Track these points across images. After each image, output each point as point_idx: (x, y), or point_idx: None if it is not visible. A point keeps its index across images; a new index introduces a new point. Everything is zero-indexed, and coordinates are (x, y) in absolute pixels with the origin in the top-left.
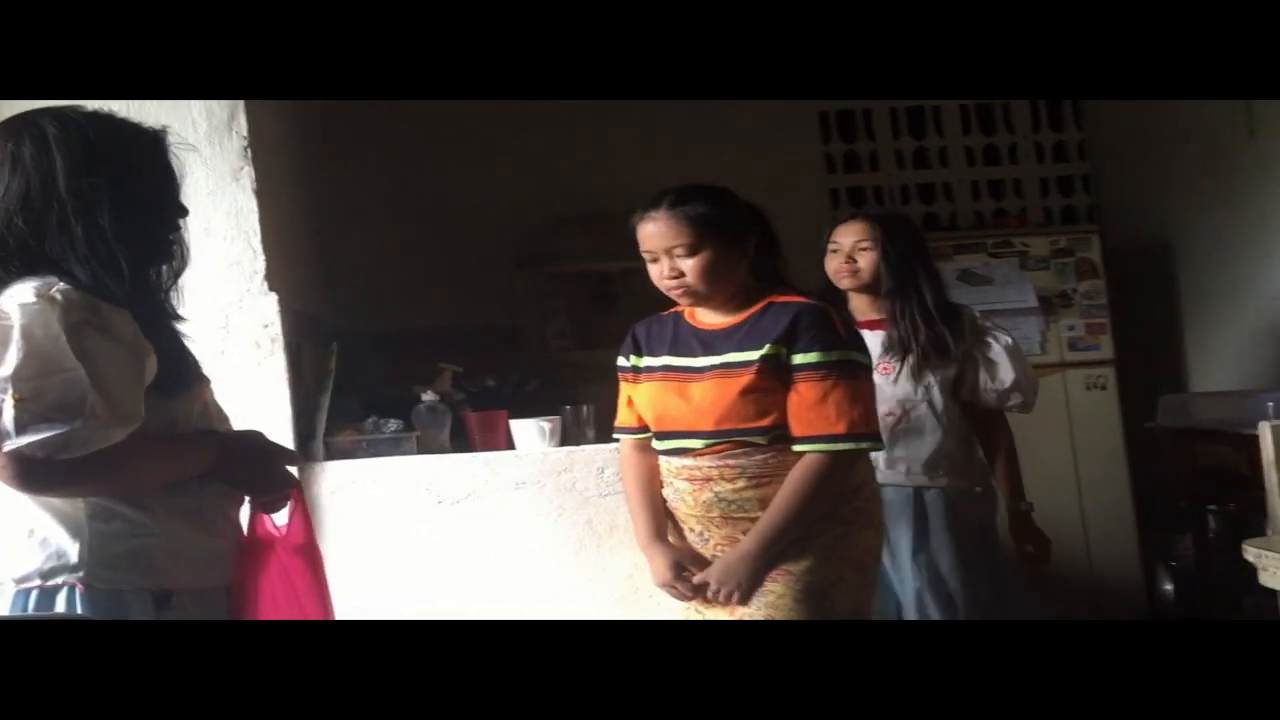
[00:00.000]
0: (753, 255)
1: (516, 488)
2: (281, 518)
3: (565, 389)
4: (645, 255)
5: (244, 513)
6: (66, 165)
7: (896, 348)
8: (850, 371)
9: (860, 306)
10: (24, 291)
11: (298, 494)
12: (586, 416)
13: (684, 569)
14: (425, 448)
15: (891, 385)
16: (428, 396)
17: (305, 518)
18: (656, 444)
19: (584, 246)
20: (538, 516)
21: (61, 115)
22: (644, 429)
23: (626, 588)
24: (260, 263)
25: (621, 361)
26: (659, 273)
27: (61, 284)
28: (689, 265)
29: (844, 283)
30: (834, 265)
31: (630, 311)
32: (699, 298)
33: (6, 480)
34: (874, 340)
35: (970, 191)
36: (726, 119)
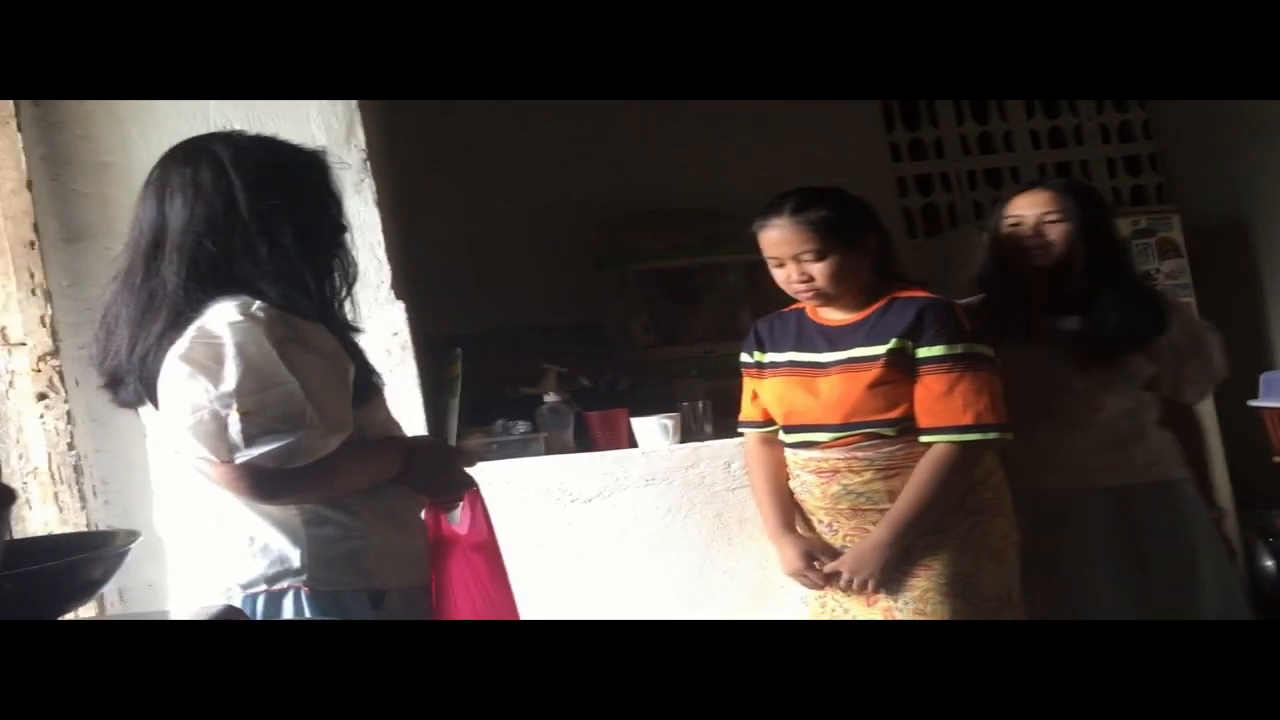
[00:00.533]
0: (875, 252)
1: (646, 484)
2: (453, 517)
3: (656, 385)
4: (770, 260)
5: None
6: (244, 187)
7: (1095, 334)
8: (975, 364)
9: (1041, 288)
10: (228, 311)
11: (474, 494)
12: (703, 412)
13: (814, 558)
14: (551, 448)
15: (1086, 378)
16: (550, 398)
17: (486, 516)
18: (784, 437)
19: (660, 243)
20: (669, 513)
21: (231, 139)
22: (769, 423)
23: (759, 579)
24: (386, 272)
25: (745, 357)
26: (785, 277)
27: (259, 302)
28: (817, 270)
29: (1031, 261)
30: (1015, 241)
31: (713, 307)
32: (828, 299)
33: (240, 491)
34: (1068, 326)
35: (1038, 175)
36: (792, 111)
